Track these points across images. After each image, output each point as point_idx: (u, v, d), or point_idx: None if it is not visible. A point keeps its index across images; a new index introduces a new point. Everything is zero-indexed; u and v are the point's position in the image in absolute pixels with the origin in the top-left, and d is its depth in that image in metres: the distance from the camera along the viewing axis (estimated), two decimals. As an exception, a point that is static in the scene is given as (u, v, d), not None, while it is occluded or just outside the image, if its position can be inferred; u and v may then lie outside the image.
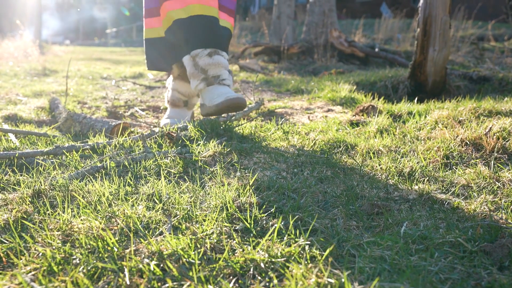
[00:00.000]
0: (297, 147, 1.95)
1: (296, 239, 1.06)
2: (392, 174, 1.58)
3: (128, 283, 0.87)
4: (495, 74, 3.93)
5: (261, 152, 1.87)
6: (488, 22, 8.31)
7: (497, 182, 1.45)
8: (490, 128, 1.87)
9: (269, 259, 0.96)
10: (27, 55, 8.23)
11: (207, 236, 1.07)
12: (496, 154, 1.70)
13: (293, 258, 0.97)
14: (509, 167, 1.58)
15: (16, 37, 10.27)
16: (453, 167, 1.65)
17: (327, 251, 0.99)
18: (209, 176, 1.58)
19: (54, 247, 1.02)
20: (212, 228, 1.11)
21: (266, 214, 1.23)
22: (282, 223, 1.15)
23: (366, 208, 1.28)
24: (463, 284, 0.89)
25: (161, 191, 1.38)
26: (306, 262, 0.95)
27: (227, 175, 1.61)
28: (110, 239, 1.02)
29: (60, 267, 0.94)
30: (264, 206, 1.28)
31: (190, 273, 0.91)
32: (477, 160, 1.68)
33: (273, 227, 1.10)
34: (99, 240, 1.03)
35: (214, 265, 0.95)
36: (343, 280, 0.87)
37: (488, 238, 1.07)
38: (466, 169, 1.60)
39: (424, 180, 1.52)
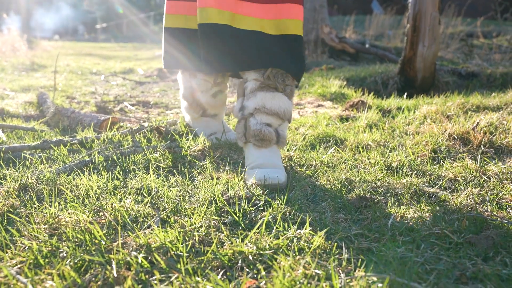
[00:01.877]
0: (287, 141, 1.95)
1: (285, 232, 1.06)
2: (381, 168, 1.59)
3: (115, 275, 0.86)
4: (483, 70, 3.97)
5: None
6: (477, 19, 8.39)
7: (483, 176, 1.47)
8: (478, 123, 1.90)
9: (257, 252, 0.96)
10: (15, 50, 8.12)
11: (195, 229, 1.07)
12: (483, 148, 1.72)
13: (281, 250, 0.98)
14: (495, 161, 1.60)
15: (3, 32, 10.12)
16: (441, 161, 1.67)
17: (315, 243, 0.99)
18: (198, 170, 1.58)
19: (40, 241, 1.01)
20: (200, 221, 1.11)
21: (254, 207, 1.23)
22: (271, 216, 1.16)
23: (354, 201, 1.29)
24: (448, 274, 0.90)
25: (150, 185, 1.37)
26: (294, 254, 0.96)
27: (217, 169, 1.61)
28: (98, 232, 1.01)
29: (47, 260, 0.94)
30: (253, 199, 1.28)
31: (178, 266, 0.91)
32: (464, 154, 1.70)
33: (262, 220, 1.11)
34: (87, 234, 1.02)
35: (202, 258, 0.95)
36: (330, 271, 0.87)
37: (474, 230, 1.08)
38: (453, 163, 1.62)
39: (412, 173, 1.53)
